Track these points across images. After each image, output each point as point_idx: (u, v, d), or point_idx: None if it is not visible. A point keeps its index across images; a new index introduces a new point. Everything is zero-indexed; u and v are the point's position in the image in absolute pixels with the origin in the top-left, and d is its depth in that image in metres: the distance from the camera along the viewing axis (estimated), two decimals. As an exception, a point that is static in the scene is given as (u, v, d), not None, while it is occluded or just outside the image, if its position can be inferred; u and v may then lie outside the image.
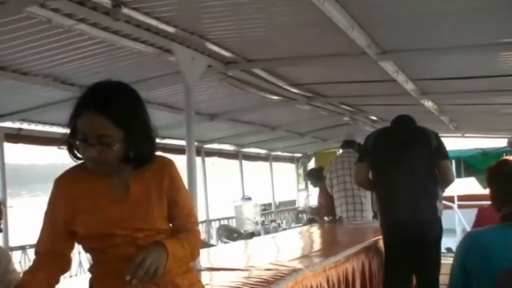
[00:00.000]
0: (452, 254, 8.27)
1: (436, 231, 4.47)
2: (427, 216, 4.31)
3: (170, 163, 2.05)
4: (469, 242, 2.41)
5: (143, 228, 1.94)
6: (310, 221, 7.91)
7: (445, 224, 8.09)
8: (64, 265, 2.03)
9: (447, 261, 9.30)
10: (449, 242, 10.44)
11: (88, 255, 2.15)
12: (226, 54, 4.35)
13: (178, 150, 6.71)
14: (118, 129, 1.86)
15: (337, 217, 7.23)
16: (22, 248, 6.45)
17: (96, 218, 1.93)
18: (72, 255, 2.06)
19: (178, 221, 2.04)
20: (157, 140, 2.04)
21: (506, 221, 2.33)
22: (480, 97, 6.62)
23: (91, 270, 2.04)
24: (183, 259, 1.98)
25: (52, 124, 5.78)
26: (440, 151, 4.47)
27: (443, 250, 10.70)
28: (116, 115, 1.85)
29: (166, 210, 2.00)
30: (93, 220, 1.93)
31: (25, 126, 5.71)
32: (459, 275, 2.41)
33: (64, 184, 2.00)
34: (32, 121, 5.70)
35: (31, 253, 6.45)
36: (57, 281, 1.99)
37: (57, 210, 1.97)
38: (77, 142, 1.88)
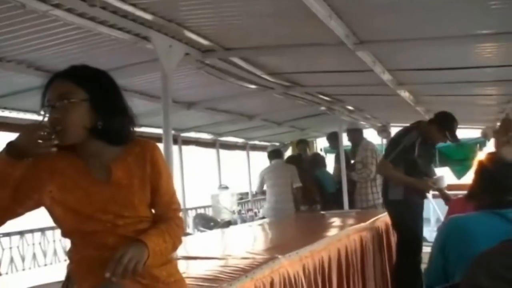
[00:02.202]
0: (427, 243, 8.45)
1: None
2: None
3: (153, 147, 2.03)
4: (450, 227, 2.48)
5: (124, 215, 1.92)
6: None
7: (421, 213, 8.14)
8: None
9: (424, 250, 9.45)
10: (424, 231, 10.59)
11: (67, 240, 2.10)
12: (204, 42, 4.32)
13: (155, 139, 6.53)
14: (80, 89, 1.89)
15: (313, 206, 7.30)
16: None
17: (75, 196, 1.89)
18: (7, 218, 1.92)
19: (159, 208, 2.02)
20: (135, 123, 2.02)
21: (487, 209, 2.38)
22: (456, 88, 6.70)
23: (69, 254, 2.01)
24: (165, 252, 1.96)
25: (26, 111, 5.69)
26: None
27: (417, 239, 10.84)
28: (79, 77, 1.92)
29: (149, 197, 1.98)
30: (72, 198, 1.89)
31: (0, 113, 5.62)
32: (437, 258, 2.46)
33: (47, 156, 1.90)
34: (6, 108, 5.61)
35: (5, 242, 6.42)
36: None
37: (29, 173, 1.85)
38: (45, 114, 1.86)
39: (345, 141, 8.18)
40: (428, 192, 5.06)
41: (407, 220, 5.05)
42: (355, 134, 7.77)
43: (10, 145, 1.78)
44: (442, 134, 5.10)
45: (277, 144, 10.86)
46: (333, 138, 8.26)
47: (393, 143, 5.26)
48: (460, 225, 2.42)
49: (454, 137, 5.14)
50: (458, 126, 5.21)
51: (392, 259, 5.72)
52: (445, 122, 5.13)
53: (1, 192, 1.81)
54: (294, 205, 7.34)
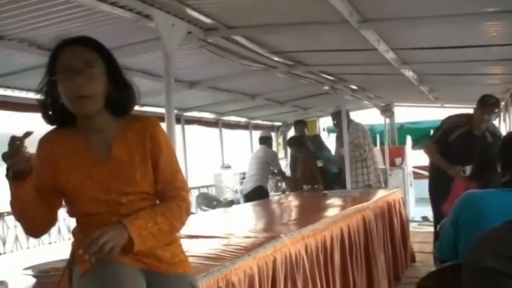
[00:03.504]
0: (428, 223, 8.39)
1: None
2: None
3: (153, 123, 2.03)
4: (465, 201, 2.47)
5: (127, 191, 1.91)
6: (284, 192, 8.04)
7: (422, 193, 8.19)
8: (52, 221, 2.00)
9: (422, 229, 9.50)
10: (426, 211, 10.61)
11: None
12: (206, 20, 4.28)
13: (158, 118, 6.60)
14: (100, 59, 1.90)
15: (316, 186, 7.30)
16: (0, 215, 6.41)
17: (77, 178, 1.90)
18: (57, 214, 2.01)
19: (160, 185, 1.99)
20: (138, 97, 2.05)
21: (506, 186, 2.38)
22: (461, 67, 6.65)
23: (74, 232, 2.01)
24: (159, 235, 1.92)
25: (29, 90, 5.68)
26: None
27: (419, 218, 10.92)
28: (99, 47, 1.93)
29: (151, 173, 1.97)
30: (74, 180, 1.89)
31: (1, 91, 5.61)
32: (450, 233, 2.47)
33: (46, 143, 1.96)
34: (8, 87, 5.60)
35: (9, 220, 6.45)
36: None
37: (39, 171, 1.88)
38: (57, 79, 1.87)
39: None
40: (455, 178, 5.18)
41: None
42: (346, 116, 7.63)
43: (6, 172, 1.80)
44: (478, 111, 5.24)
45: (275, 123, 10.91)
46: (339, 116, 8.23)
47: (441, 125, 5.60)
48: (475, 201, 2.42)
49: (486, 106, 5.21)
50: (488, 101, 5.28)
51: (394, 238, 5.74)
52: (478, 100, 5.29)
53: (33, 208, 1.88)
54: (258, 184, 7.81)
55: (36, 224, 1.96)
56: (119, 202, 1.91)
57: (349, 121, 7.65)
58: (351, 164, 7.42)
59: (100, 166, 1.92)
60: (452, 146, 5.35)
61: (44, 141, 1.97)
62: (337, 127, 7.96)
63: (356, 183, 7.42)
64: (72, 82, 1.84)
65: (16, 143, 1.73)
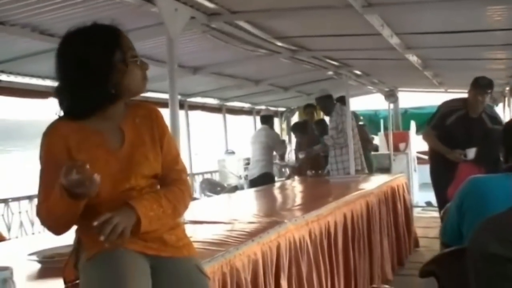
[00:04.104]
0: (432, 208, 8.41)
1: None
2: None
3: (156, 109, 2.11)
4: (470, 186, 2.48)
5: (144, 173, 1.95)
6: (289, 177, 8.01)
7: (425, 178, 8.16)
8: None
9: (426, 214, 9.50)
10: (429, 196, 10.61)
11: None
12: (210, 5, 4.26)
13: (161, 104, 6.62)
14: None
15: (320, 172, 7.29)
16: (5, 201, 6.44)
17: (96, 169, 1.82)
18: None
19: (163, 169, 2.03)
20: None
21: (509, 171, 2.38)
22: (465, 52, 6.61)
23: (79, 219, 1.95)
24: (163, 217, 1.94)
25: (32, 76, 5.67)
26: None
27: (422, 204, 10.91)
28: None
29: (161, 156, 2.01)
30: (93, 171, 1.80)
31: (4, 77, 5.60)
32: (454, 217, 2.47)
33: (56, 137, 1.92)
34: (11, 73, 5.58)
35: (14, 206, 6.48)
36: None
37: (52, 166, 1.85)
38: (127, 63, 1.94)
39: (353, 106, 8.09)
40: (457, 162, 5.17)
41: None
42: (326, 101, 7.32)
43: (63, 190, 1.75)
44: (472, 93, 5.25)
45: (279, 108, 10.88)
46: (323, 101, 8.06)
47: (437, 110, 5.59)
48: (480, 185, 2.42)
49: (478, 88, 5.22)
50: (480, 82, 5.30)
51: (398, 223, 5.75)
52: (471, 83, 5.31)
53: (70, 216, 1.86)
54: (264, 170, 7.71)
55: (68, 224, 1.93)
56: (134, 186, 1.93)
57: (333, 104, 7.28)
58: (336, 150, 7.15)
59: (116, 153, 1.94)
60: (450, 131, 5.36)
61: (53, 134, 1.93)
62: (323, 113, 7.82)
63: (336, 171, 7.11)
64: (142, 65, 2.00)
65: (86, 168, 1.69)
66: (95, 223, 1.77)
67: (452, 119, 5.33)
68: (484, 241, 1.51)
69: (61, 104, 1.94)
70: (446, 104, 5.56)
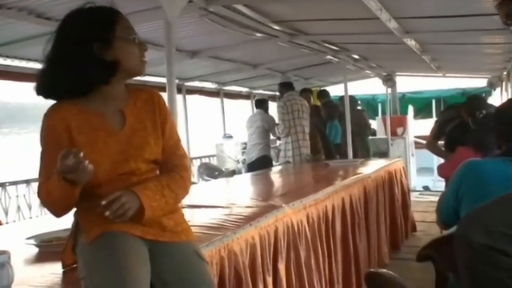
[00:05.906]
0: (429, 192, 8.49)
1: None
2: None
3: (158, 94, 2.10)
4: (466, 169, 2.47)
5: (144, 157, 1.95)
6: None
7: (423, 163, 8.19)
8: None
9: (423, 199, 9.55)
10: (427, 181, 10.64)
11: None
12: (207, -12, 4.24)
13: (159, 88, 6.56)
14: None
15: (317, 156, 7.30)
16: (2, 185, 6.44)
17: (96, 151, 1.87)
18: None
19: (165, 153, 2.03)
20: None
21: (505, 155, 2.39)
22: (463, 36, 6.60)
23: (78, 202, 1.94)
24: (166, 206, 1.95)
25: (29, 59, 5.64)
26: None
27: (420, 188, 10.97)
28: None
29: (162, 141, 2.01)
30: (94, 153, 1.85)
31: (1, 61, 5.58)
32: (450, 199, 2.47)
33: (57, 118, 1.90)
34: (8, 56, 5.56)
35: (11, 190, 6.49)
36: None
37: (53, 147, 1.85)
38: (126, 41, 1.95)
39: (351, 91, 8.10)
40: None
41: None
42: (282, 88, 7.11)
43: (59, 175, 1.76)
44: (465, 115, 5.15)
45: (277, 93, 10.82)
46: (285, 87, 7.85)
47: (436, 122, 5.73)
48: (476, 168, 2.42)
49: (475, 119, 5.10)
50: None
51: (395, 208, 5.77)
52: (468, 106, 5.19)
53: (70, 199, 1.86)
54: (262, 153, 7.62)
55: (67, 206, 1.93)
56: (134, 170, 1.93)
57: (285, 92, 6.99)
58: (282, 139, 6.97)
59: (116, 135, 1.93)
60: (452, 134, 5.41)
61: (54, 115, 1.91)
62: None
63: (284, 158, 6.95)
64: (140, 45, 2.00)
65: (80, 155, 1.70)
66: (103, 202, 1.79)
67: (449, 127, 5.40)
68: (472, 231, 1.51)
69: (50, 85, 1.94)
70: (442, 115, 5.79)
